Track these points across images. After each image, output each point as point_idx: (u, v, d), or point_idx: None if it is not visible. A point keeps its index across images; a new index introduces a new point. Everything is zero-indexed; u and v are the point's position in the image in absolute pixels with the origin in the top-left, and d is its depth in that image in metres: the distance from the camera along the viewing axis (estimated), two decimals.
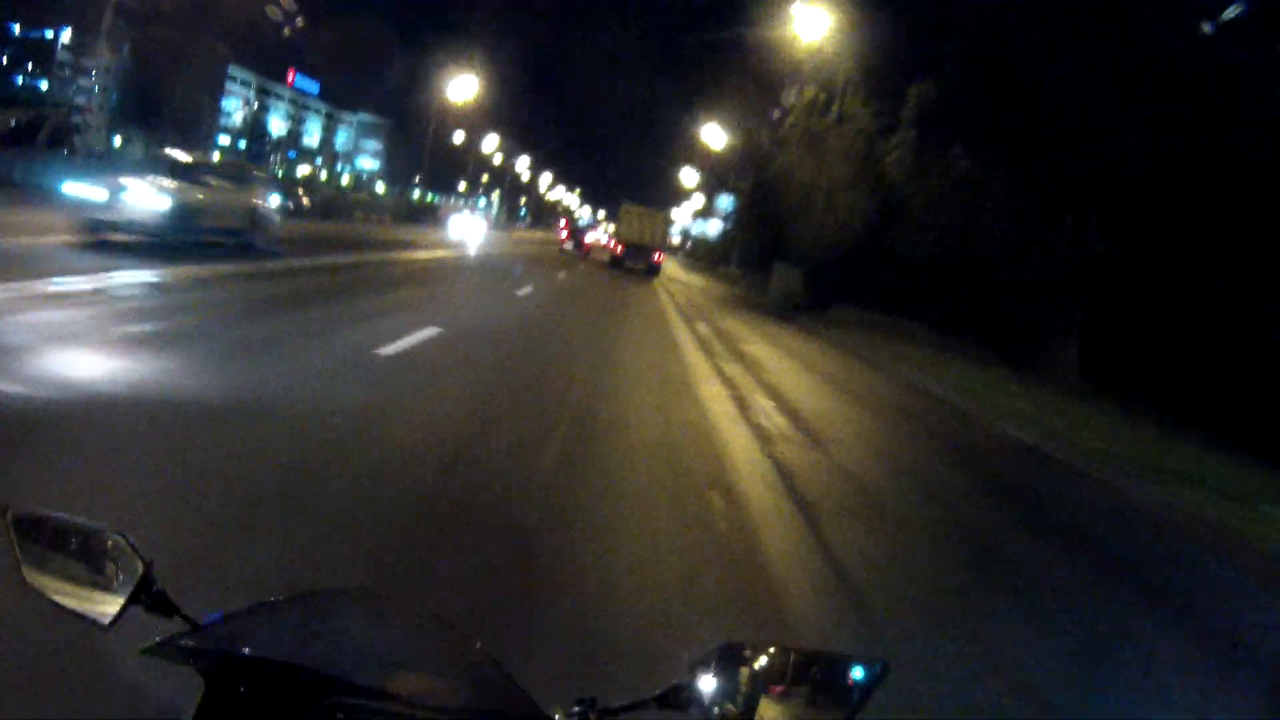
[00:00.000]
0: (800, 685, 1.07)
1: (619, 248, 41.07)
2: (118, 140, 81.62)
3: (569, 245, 51.72)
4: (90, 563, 1.16)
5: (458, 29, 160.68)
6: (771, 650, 1.08)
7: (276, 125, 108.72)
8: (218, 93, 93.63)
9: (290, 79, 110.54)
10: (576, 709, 1.08)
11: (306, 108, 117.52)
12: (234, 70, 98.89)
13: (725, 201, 64.57)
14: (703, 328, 20.53)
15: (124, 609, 1.10)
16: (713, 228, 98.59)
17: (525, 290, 21.74)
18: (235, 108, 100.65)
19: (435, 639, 1.26)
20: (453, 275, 24.22)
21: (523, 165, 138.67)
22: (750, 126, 47.95)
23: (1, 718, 2.40)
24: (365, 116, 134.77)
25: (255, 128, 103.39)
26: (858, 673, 1.07)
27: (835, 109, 30.57)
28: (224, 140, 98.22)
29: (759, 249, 50.15)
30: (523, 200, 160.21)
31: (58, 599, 1.13)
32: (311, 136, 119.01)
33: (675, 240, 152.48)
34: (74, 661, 2.45)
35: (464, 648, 1.22)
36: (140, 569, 1.12)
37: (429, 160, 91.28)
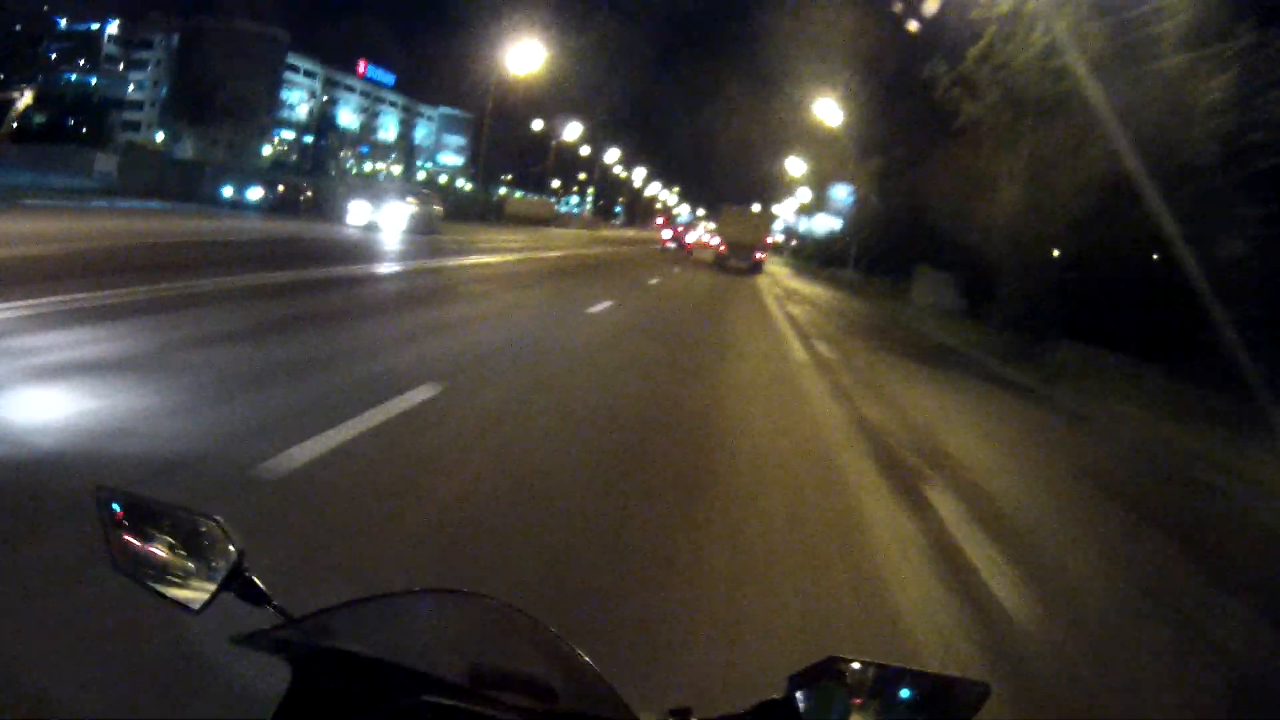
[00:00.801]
0: (899, 702, 1.05)
1: (723, 247, 41.52)
2: (160, 136, 74.53)
3: (671, 244, 50.16)
4: (183, 547, 1.15)
5: (551, 17, 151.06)
6: (873, 667, 1.06)
7: (346, 118, 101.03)
8: (275, 83, 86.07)
9: (361, 69, 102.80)
10: (670, 717, 1.06)
11: (381, 100, 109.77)
12: (297, 60, 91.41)
13: (841, 192, 52.65)
14: (849, 381, 11.65)
15: (215, 595, 1.10)
16: (821, 224, 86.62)
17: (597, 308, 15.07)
18: (299, 100, 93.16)
19: (525, 637, 1.15)
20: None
21: (616, 160, 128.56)
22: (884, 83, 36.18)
23: (87, 698, 2.43)
24: (448, 110, 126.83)
25: (322, 121, 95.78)
26: (960, 693, 1.06)
27: (1038, 34, 18.71)
28: (286, 134, 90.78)
29: (890, 248, 38.44)
30: (619, 200, 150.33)
31: (148, 583, 1.13)
32: (387, 131, 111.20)
33: (779, 238, 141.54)
34: (162, 645, 2.51)
35: (554, 645, 1.13)
36: (234, 555, 1.11)
37: (519, 156, 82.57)
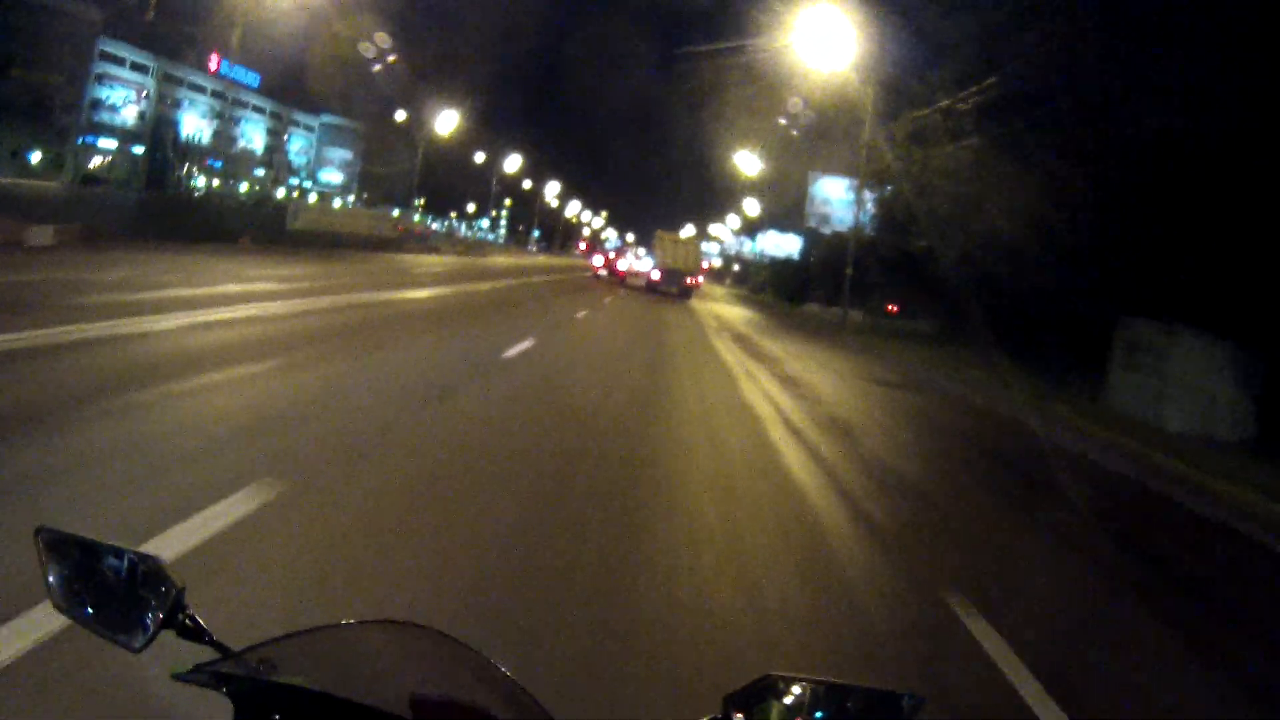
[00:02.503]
0: (835, 717, 1.06)
1: (657, 274, 40.90)
2: None
3: (602, 272, 46.76)
4: (121, 586, 1.16)
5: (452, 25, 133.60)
6: (808, 682, 1.07)
7: (193, 125, 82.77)
8: (83, 76, 67.71)
9: (214, 65, 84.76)
10: None
11: (242, 105, 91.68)
12: (121, 50, 73.13)
13: (833, 189, 36.64)
14: None
15: (155, 633, 1.11)
16: (773, 244, 71.06)
17: None
18: (126, 100, 74.76)
19: (462, 665, 1.19)
20: None
21: (543, 186, 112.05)
22: None
23: None
24: (331, 119, 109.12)
25: (159, 128, 77.41)
26: (896, 705, 1.07)
27: None
28: (107, 144, 72.30)
29: (951, 278, 22.69)
30: (531, 223, 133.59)
31: (88, 622, 1.14)
32: (251, 140, 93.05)
33: (716, 263, 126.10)
34: (104, 683, 2.52)
35: (490, 673, 1.17)
36: (173, 594, 1.12)
37: (420, 177, 66.27)
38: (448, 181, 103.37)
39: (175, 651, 1.11)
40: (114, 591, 1.16)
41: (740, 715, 1.01)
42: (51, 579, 1.16)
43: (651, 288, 40.41)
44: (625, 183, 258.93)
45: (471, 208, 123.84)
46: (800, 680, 1.07)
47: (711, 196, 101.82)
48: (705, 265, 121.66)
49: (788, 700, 1.04)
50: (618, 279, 44.67)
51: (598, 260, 50.15)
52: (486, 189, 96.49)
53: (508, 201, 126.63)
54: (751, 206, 73.36)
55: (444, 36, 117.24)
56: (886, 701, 1.07)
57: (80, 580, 1.16)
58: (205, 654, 1.10)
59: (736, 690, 1.05)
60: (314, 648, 1.17)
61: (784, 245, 71.98)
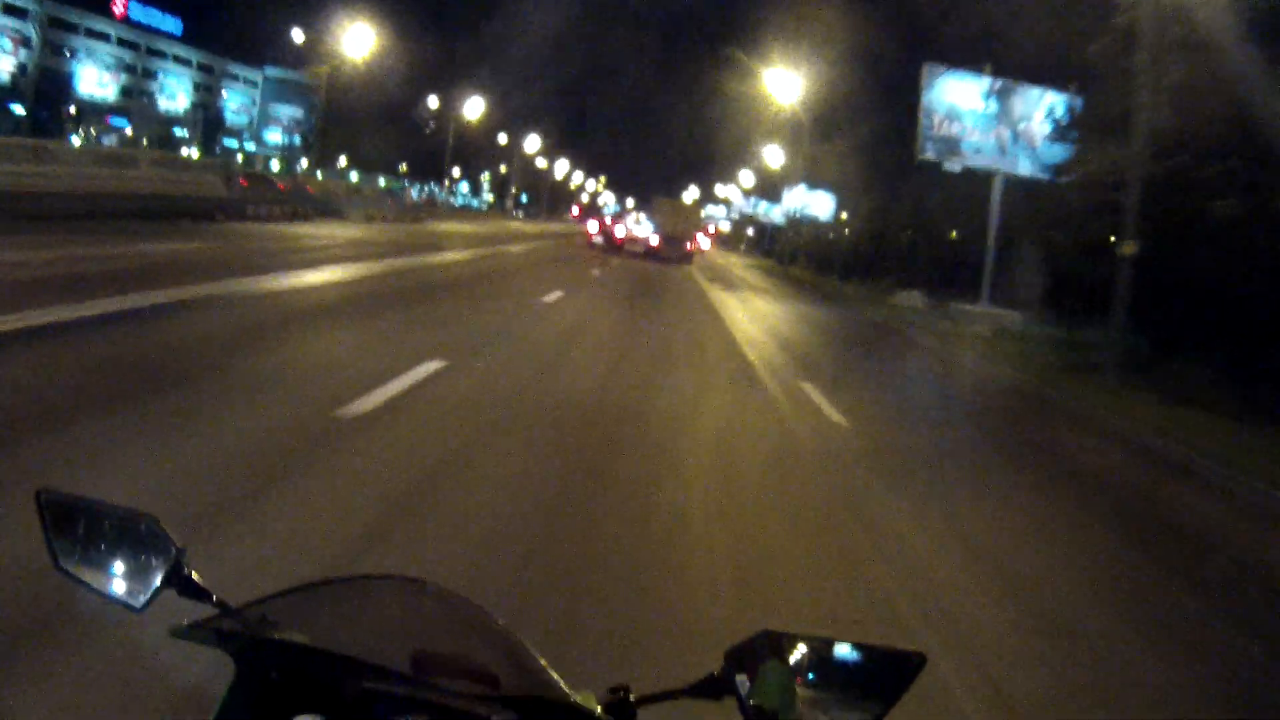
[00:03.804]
0: (837, 676, 1.07)
1: (656, 240, 39.73)
2: None
3: (598, 239, 42.38)
4: (122, 546, 1.16)
5: None
6: (809, 640, 1.08)
7: (91, 80, 68.50)
8: None
9: (120, 9, 70.38)
10: (610, 695, 1.07)
11: (160, 55, 77.30)
12: None
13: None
14: None
15: (156, 592, 1.11)
16: (819, 206, 57.01)
17: None
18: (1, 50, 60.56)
19: (467, 624, 1.20)
20: None
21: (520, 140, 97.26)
22: None
23: (35, 696, 2.44)
24: (276, 71, 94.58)
25: (45, 81, 63.24)
26: (895, 663, 1.07)
27: None
28: None
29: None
30: (517, 189, 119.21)
31: (89, 582, 1.14)
32: (174, 98, 78.72)
33: (724, 227, 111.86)
34: (106, 642, 2.54)
35: (493, 630, 1.17)
36: (173, 552, 1.12)
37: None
38: (427, 146, 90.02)
39: (176, 611, 1.09)
40: (115, 551, 1.16)
41: (743, 676, 1.02)
42: (52, 540, 1.15)
43: (650, 254, 38.92)
44: (624, 146, 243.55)
45: (457, 172, 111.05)
46: (799, 637, 1.07)
47: (719, 155, 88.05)
48: (712, 230, 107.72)
49: (790, 657, 1.05)
50: (614, 246, 41.75)
51: (593, 226, 46.54)
52: (441, 147, 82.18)
53: (503, 168, 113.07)
54: (774, 156, 59.20)
55: None
56: (886, 659, 1.08)
57: (81, 540, 1.16)
58: (207, 612, 1.08)
59: (735, 645, 1.06)
60: (315, 604, 1.18)
61: (815, 206, 57.98)
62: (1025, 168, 21.06)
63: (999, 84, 20.88)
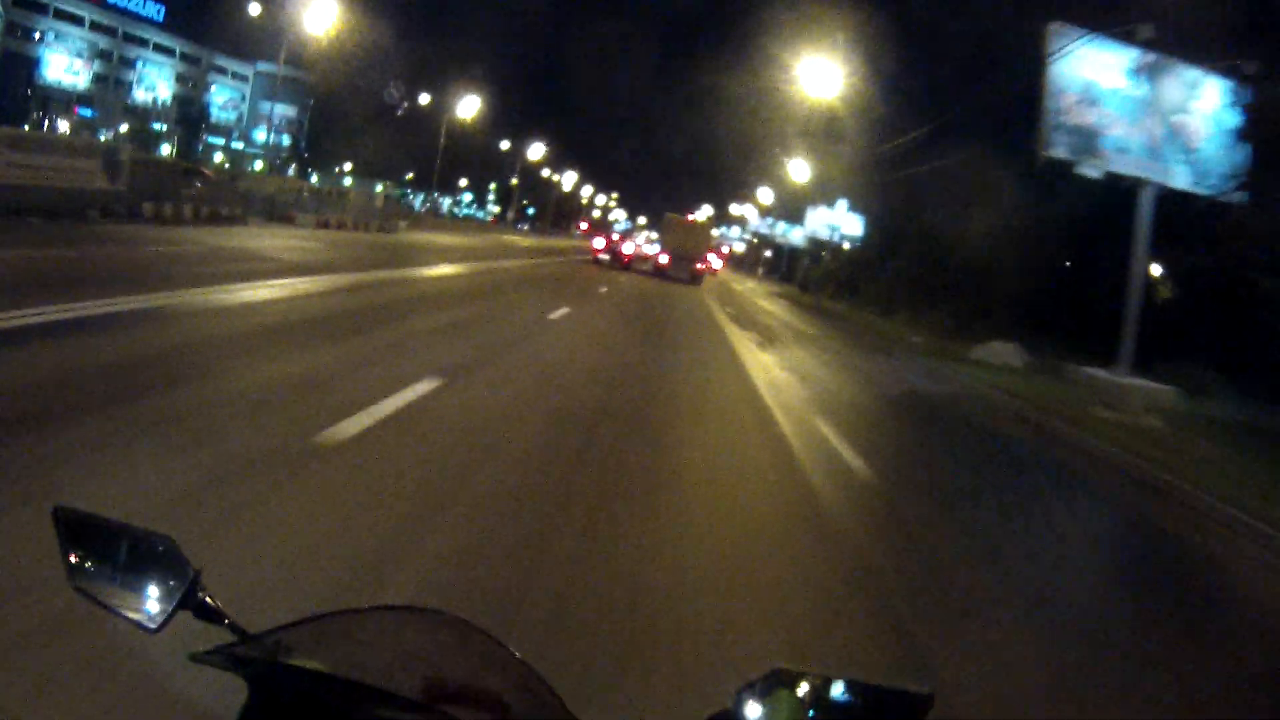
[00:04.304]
0: (847, 713, 1.08)
1: (665, 258, 38.82)
2: None
3: (604, 255, 41.10)
4: (138, 566, 1.16)
5: None
6: (819, 678, 1.09)
7: (60, 66, 63.11)
8: None
9: None
10: None
11: (139, 43, 72.01)
12: None
13: None
14: None
15: (171, 614, 1.11)
16: (848, 227, 51.04)
17: None
18: None
19: (478, 651, 1.20)
20: None
21: (524, 148, 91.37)
22: None
23: (47, 718, 2.42)
24: (268, 67, 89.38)
25: (8, 66, 57.82)
26: (903, 702, 1.08)
27: None
28: None
29: None
30: (526, 202, 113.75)
31: (104, 600, 1.14)
32: (154, 89, 73.34)
33: (737, 248, 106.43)
34: (120, 663, 2.51)
35: (506, 659, 1.18)
36: (189, 574, 1.13)
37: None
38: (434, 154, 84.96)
39: (190, 632, 1.11)
40: (130, 571, 1.16)
41: (755, 712, 1.02)
42: (69, 558, 1.15)
43: (659, 272, 38.27)
44: (639, 164, 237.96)
45: (464, 182, 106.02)
46: (810, 675, 1.08)
47: (735, 171, 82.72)
48: (725, 250, 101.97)
49: (801, 694, 1.06)
50: (622, 263, 40.39)
51: (599, 242, 44.85)
52: (452, 154, 76.73)
53: (514, 182, 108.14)
54: (799, 171, 53.32)
55: None
56: (896, 697, 1.08)
57: (97, 560, 1.16)
58: (220, 635, 1.09)
59: (747, 682, 1.04)
60: (330, 632, 1.19)
61: (843, 227, 52.13)
62: (1182, 179, 15.15)
63: (1151, 58, 14.94)
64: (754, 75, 43.82)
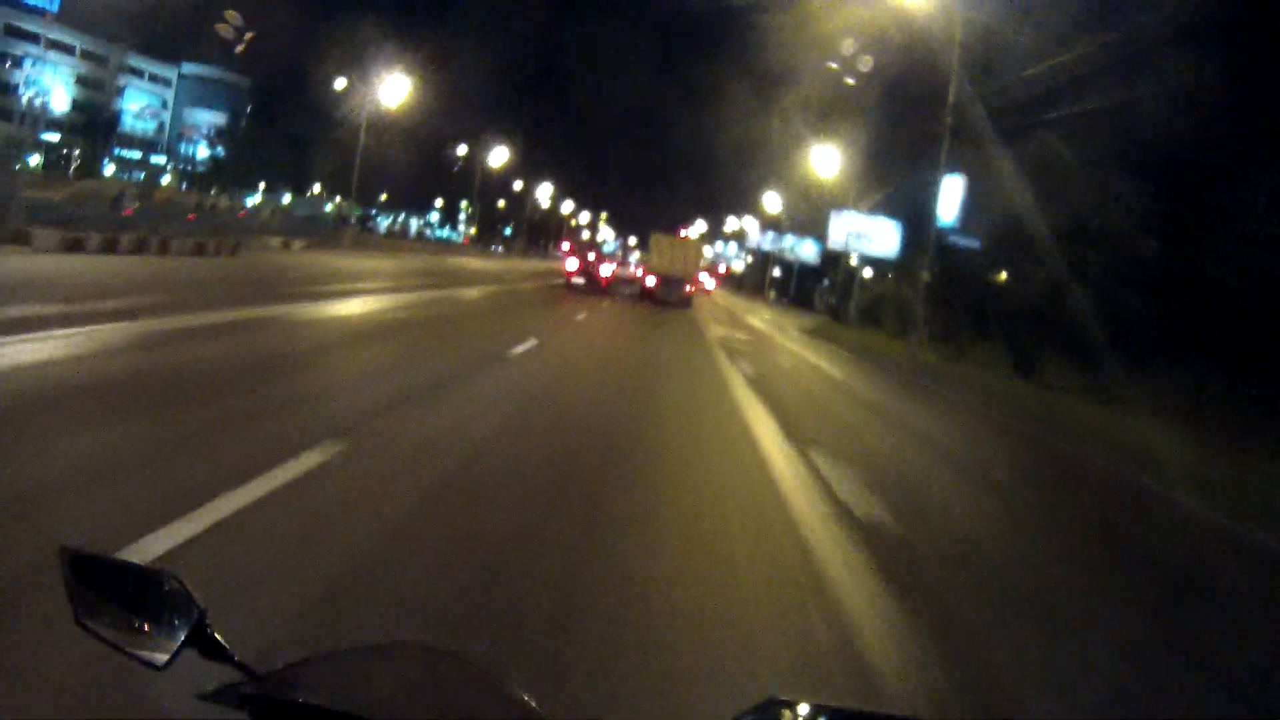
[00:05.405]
0: None
1: (652, 281, 36.17)
2: None
3: (578, 279, 37.09)
4: (145, 605, 1.15)
5: None
6: (814, 708, 1.08)
7: None
8: None
9: None
10: None
11: (27, 38, 60.87)
12: None
13: None
14: None
15: (178, 652, 1.11)
16: (881, 238, 39.60)
17: None
18: None
19: (479, 687, 1.23)
20: None
21: (483, 155, 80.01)
22: None
23: None
24: (195, 67, 78.48)
25: None
26: None
27: None
28: None
29: None
30: (497, 222, 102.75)
31: (111, 639, 1.14)
32: (50, 91, 62.04)
33: (735, 267, 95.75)
34: (126, 703, 2.45)
35: (505, 695, 1.20)
36: (196, 613, 1.13)
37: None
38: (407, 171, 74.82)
39: (196, 671, 1.10)
40: (137, 609, 1.15)
41: None
42: (75, 597, 1.14)
43: (646, 296, 35.16)
44: (627, 183, 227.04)
45: (439, 202, 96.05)
46: (805, 705, 1.07)
47: (736, 181, 71.99)
48: (723, 269, 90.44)
49: None
50: (600, 288, 36.43)
51: (572, 264, 40.12)
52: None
53: (500, 203, 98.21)
54: (824, 162, 41.84)
55: None
56: None
57: (104, 599, 1.15)
58: (227, 673, 1.10)
59: (742, 713, 1.05)
60: (335, 669, 1.19)
61: (874, 238, 40.74)
62: None
63: None
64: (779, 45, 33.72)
